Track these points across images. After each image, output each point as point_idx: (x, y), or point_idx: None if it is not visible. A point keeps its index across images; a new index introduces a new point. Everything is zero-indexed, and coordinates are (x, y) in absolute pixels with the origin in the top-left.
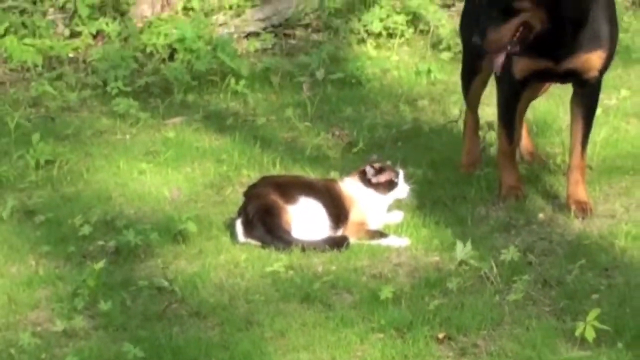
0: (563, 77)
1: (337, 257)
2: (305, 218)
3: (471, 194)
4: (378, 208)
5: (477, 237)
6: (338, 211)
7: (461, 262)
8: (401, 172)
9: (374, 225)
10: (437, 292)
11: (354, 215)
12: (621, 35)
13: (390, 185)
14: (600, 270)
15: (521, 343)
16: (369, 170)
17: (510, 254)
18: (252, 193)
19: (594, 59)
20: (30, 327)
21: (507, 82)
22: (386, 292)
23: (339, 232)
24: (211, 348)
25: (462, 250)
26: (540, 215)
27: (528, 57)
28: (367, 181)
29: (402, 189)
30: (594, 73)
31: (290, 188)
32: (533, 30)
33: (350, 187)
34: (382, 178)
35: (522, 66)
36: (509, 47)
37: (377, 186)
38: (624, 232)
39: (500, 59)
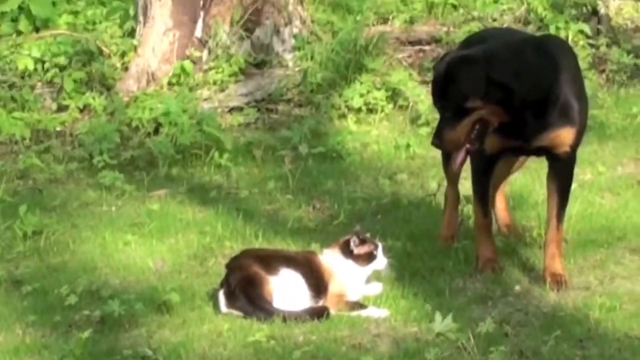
0: (535, 152)
1: (318, 327)
2: (286, 289)
3: (449, 266)
4: (357, 279)
5: (455, 308)
6: (318, 282)
7: (439, 334)
8: (380, 245)
9: (353, 297)
10: None
11: (333, 287)
12: (596, 112)
13: (370, 257)
14: (575, 342)
15: None
16: (354, 240)
17: (487, 325)
18: (234, 265)
19: (563, 135)
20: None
21: (479, 158)
22: None
23: (320, 303)
24: None
25: (441, 322)
26: (517, 287)
27: (497, 136)
28: (348, 252)
29: (381, 261)
30: (565, 149)
31: (271, 260)
32: (490, 125)
33: (329, 259)
34: (362, 250)
35: (492, 143)
36: (468, 145)
37: (357, 257)
38: (598, 304)
39: (459, 158)
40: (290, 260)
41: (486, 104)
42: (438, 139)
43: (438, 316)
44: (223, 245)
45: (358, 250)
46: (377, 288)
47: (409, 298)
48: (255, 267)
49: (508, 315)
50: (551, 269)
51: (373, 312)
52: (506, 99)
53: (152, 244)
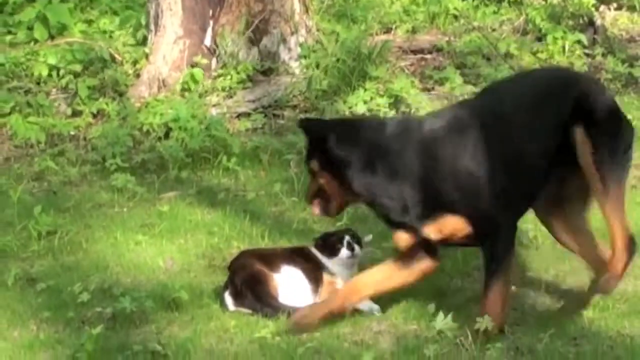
0: (450, 244)
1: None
2: (290, 285)
3: (448, 266)
4: (342, 270)
5: (454, 307)
6: (315, 275)
7: (439, 331)
8: (347, 238)
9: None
10: (415, 358)
11: (326, 276)
12: None
13: (333, 250)
14: (569, 339)
15: None
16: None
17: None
18: (237, 265)
19: (451, 223)
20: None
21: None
22: (367, 358)
23: (318, 295)
24: None
25: (441, 320)
26: (513, 287)
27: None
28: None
29: (343, 253)
30: (469, 239)
31: (272, 258)
32: (329, 196)
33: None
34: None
35: (396, 237)
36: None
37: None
38: (592, 304)
39: (315, 210)
40: (289, 257)
41: (323, 171)
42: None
43: (439, 315)
44: (230, 245)
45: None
46: (373, 308)
47: (409, 297)
48: (258, 265)
49: (505, 314)
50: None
51: (365, 305)
52: (344, 174)
53: (162, 243)
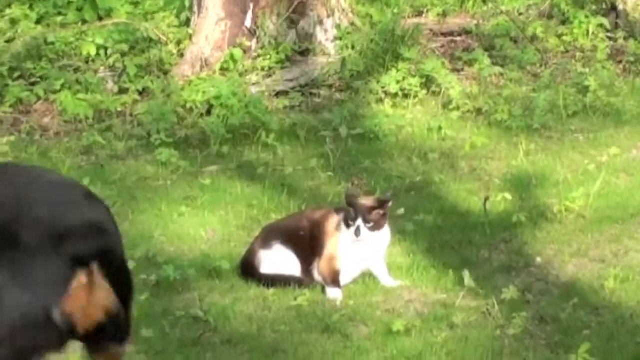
0: None
1: (355, 292)
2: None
3: (476, 238)
4: (352, 250)
5: (481, 277)
6: (316, 243)
7: (466, 300)
8: (358, 222)
9: (345, 268)
10: (444, 326)
11: (328, 249)
12: (613, 99)
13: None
14: (592, 309)
15: None
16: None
17: (510, 293)
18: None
19: None
20: (80, 351)
21: None
22: (398, 325)
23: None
24: None
25: (469, 289)
26: (538, 259)
27: None
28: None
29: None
30: None
31: (268, 233)
32: None
33: (337, 221)
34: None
35: None
36: None
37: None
38: (613, 275)
39: None
40: (286, 234)
41: None
42: None
43: (467, 284)
44: (269, 217)
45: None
46: (395, 282)
47: (438, 268)
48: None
49: (530, 284)
50: None
51: (333, 292)
52: None
53: (204, 215)
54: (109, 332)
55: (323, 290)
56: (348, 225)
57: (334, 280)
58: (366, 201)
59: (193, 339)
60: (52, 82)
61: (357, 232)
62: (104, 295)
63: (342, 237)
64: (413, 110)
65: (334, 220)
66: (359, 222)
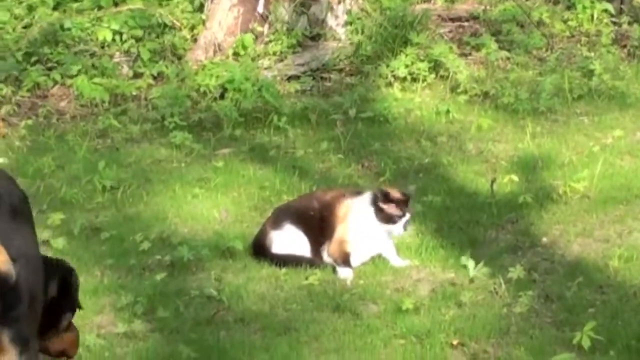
0: None
1: (365, 272)
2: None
3: (483, 219)
4: (367, 234)
5: (488, 256)
6: (325, 225)
7: (474, 279)
8: (407, 216)
9: (356, 251)
10: (452, 304)
11: (339, 232)
12: (617, 83)
13: (389, 219)
14: (596, 288)
15: (526, 350)
16: (381, 193)
17: (516, 272)
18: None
19: None
20: (96, 330)
21: None
22: (407, 304)
23: (324, 248)
24: (253, 350)
25: (475, 268)
26: (544, 239)
27: None
28: (374, 202)
29: (398, 228)
30: None
31: (279, 214)
32: None
33: (350, 204)
34: (389, 209)
35: None
36: None
37: (378, 211)
38: (617, 255)
39: None
40: (296, 214)
41: None
42: None
43: (472, 263)
44: (281, 198)
45: (385, 206)
46: (404, 262)
47: (446, 247)
48: (267, 223)
49: (536, 263)
50: None
51: (344, 272)
52: None
53: (217, 196)
54: None
55: (334, 270)
56: (390, 221)
57: (345, 261)
58: (402, 195)
59: (207, 317)
60: (68, 66)
61: (406, 226)
62: None
63: (353, 223)
64: (422, 94)
65: (345, 203)
66: (408, 216)
